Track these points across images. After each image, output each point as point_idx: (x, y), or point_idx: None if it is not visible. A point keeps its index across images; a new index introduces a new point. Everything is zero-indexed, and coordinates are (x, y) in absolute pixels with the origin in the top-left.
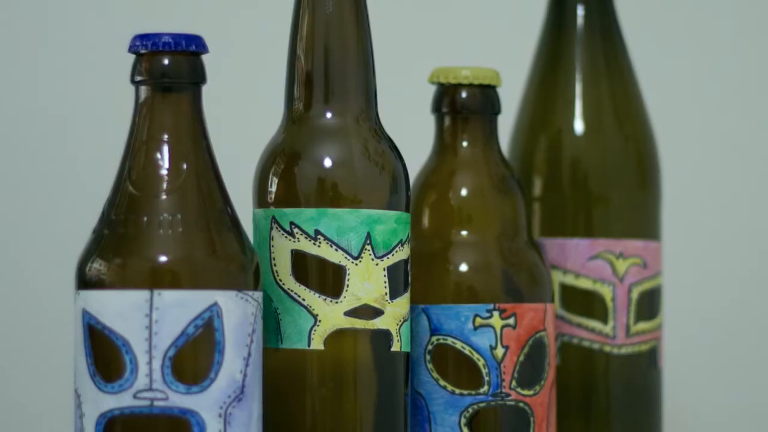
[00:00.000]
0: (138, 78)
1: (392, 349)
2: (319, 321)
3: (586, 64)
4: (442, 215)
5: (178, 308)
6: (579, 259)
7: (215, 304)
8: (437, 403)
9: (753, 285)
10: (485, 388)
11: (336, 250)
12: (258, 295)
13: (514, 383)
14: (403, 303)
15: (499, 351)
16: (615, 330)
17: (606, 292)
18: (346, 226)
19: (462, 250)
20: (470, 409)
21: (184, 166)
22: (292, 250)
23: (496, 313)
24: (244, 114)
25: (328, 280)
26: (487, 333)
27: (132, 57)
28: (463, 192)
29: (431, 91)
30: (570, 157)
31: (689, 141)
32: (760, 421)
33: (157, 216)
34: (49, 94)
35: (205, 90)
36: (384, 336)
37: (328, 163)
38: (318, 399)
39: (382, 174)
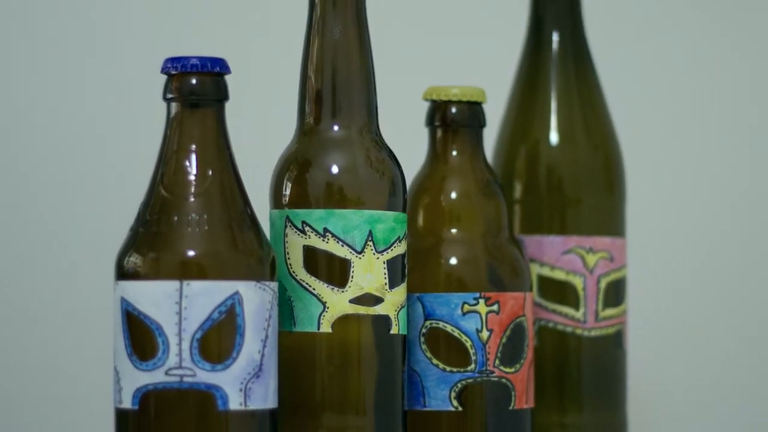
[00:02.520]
0: (169, 96)
1: (391, 332)
2: (328, 307)
3: (560, 83)
4: (434, 215)
5: (205, 296)
6: (554, 254)
7: (237, 292)
8: (430, 379)
9: (706, 276)
10: (472, 366)
11: (342, 245)
12: (274, 285)
13: (497, 362)
14: (400, 292)
15: (485, 334)
16: (585, 315)
17: (578, 282)
18: (351, 224)
19: (452, 245)
20: (459, 384)
21: (210, 173)
22: (303, 246)
23: (481, 301)
24: (261, 127)
25: (335, 271)
26: (474, 318)
27: (164, 77)
28: (453, 195)
29: (425, 106)
30: (546, 164)
31: (651, 149)
32: (712, 394)
33: (186, 216)
34: (93, 111)
35: (228, 106)
36: (384, 321)
37: (335, 169)
38: (326, 375)
39: (383, 179)
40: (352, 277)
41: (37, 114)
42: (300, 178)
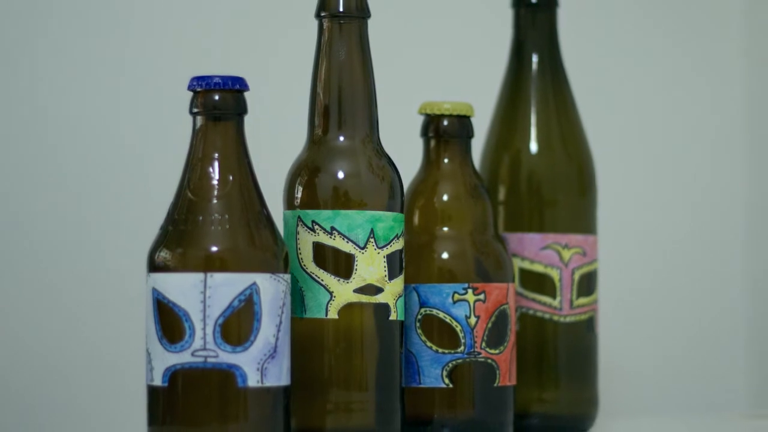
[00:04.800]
0: (195, 110)
1: (390, 318)
2: (334, 296)
3: (539, 99)
4: (428, 215)
5: (226, 287)
6: (533, 249)
7: (254, 283)
8: (425, 360)
9: (667, 268)
10: (462, 348)
11: (347, 242)
12: (287, 276)
13: (484, 344)
14: (398, 283)
15: (473, 319)
16: (561, 303)
17: (554, 274)
18: (355, 223)
19: (444, 242)
20: (450, 364)
21: (230, 178)
22: (313, 242)
23: (470, 291)
24: (276, 137)
25: (341, 265)
26: (463, 306)
27: (190, 94)
28: (444, 197)
29: (420, 120)
30: (526, 170)
31: (619, 157)
32: (671, 372)
33: (210, 216)
34: (129, 125)
35: (247, 119)
36: (384, 308)
37: (341, 175)
38: (333, 356)
39: (383, 183)
40: (356, 269)
41: (77, 129)
42: (310, 182)
